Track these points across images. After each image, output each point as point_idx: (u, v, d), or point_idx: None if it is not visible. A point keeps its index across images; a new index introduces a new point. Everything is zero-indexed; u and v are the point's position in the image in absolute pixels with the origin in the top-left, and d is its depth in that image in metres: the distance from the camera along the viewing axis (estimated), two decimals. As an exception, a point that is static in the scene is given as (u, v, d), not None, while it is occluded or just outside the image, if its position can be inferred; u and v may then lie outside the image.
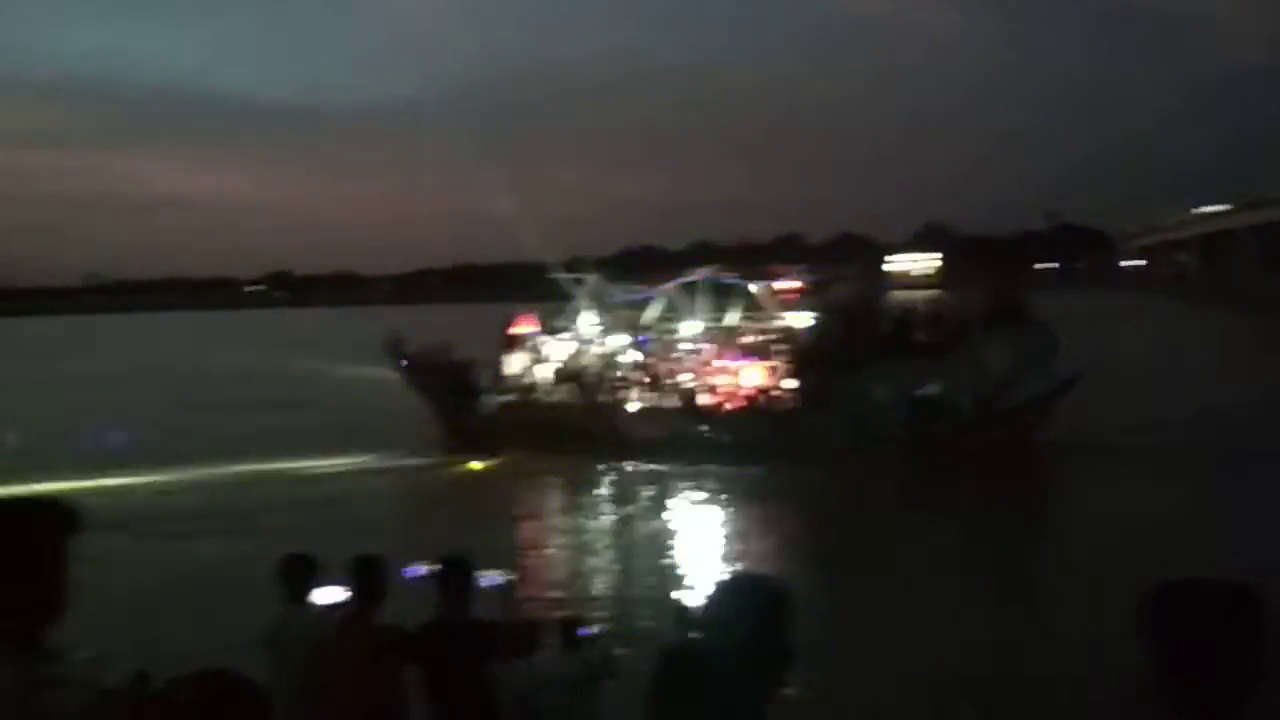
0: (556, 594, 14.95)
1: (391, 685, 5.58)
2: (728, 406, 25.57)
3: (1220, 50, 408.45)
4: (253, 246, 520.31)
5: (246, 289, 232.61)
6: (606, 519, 20.55)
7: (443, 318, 32.97)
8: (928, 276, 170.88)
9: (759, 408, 25.17)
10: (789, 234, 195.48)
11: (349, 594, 5.73)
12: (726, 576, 2.58)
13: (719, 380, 25.97)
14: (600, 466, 24.39)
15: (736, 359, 26.33)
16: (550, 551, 18.11)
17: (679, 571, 16.60)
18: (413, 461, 25.93)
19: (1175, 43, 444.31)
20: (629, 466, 24.29)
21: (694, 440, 24.60)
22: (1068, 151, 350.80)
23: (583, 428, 25.77)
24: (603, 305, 29.10)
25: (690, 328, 27.79)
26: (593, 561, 17.34)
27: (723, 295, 28.89)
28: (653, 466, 23.97)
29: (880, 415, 23.48)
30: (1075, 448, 23.63)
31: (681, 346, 27.46)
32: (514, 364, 28.69)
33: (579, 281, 29.40)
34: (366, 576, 5.65)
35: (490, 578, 5.83)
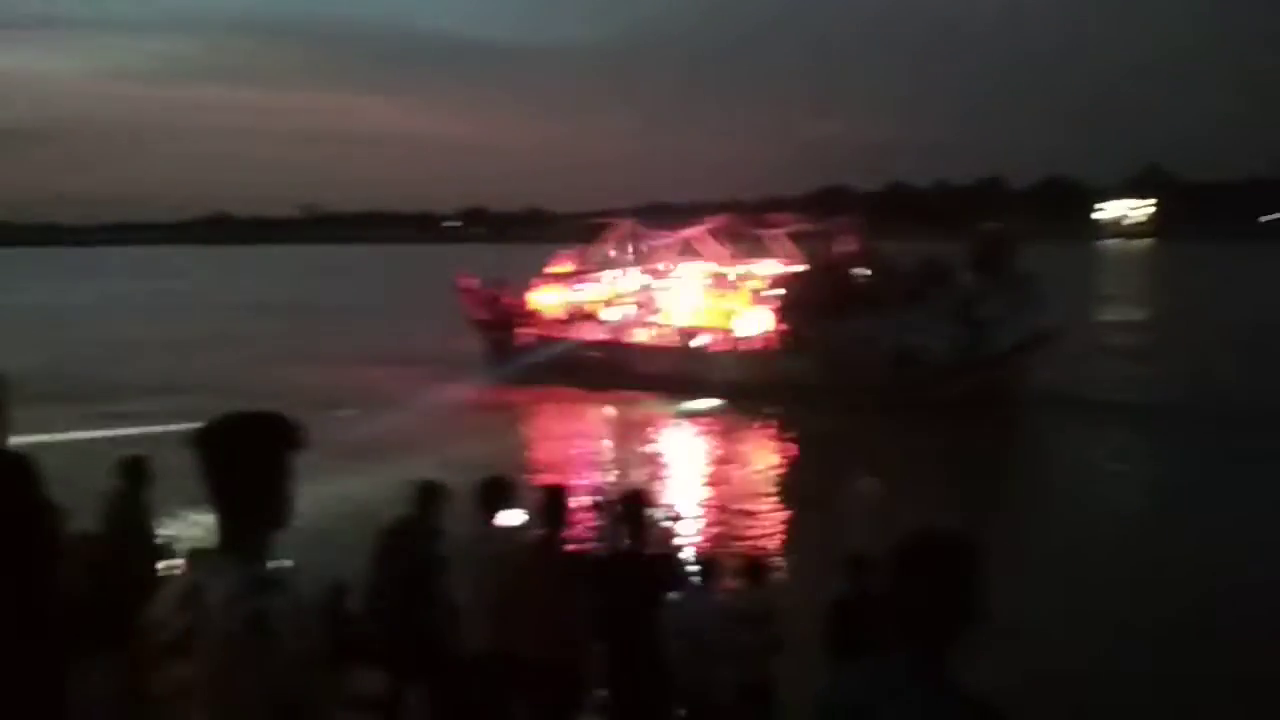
0: (711, 533, 15.13)
1: (575, 609, 5.84)
2: (723, 348, 27.00)
3: None
4: (450, 181, 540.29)
5: (444, 224, 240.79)
6: (694, 455, 21.18)
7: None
8: (1141, 224, 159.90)
9: (750, 350, 26.45)
10: (990, 177, 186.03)
11: (534, 518, 6.03)
12: (914, 530, 2.47)
13: (719, 322, 27.57)
14: (609, 403, 25.76)
15: (736, 303, 27.84)
16: (689, 490, 18.31)
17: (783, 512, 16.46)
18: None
19: None
20: (638, 402, 25.64)
21: (690, 378, 25.98)
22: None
23: (598, 363, 27.82)
24: (628, 249, 31.29)
25: (701, 273, 29.67)
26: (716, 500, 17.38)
27: (734, 243, 31.01)
28: (657, 403, 25.31)
29: (859, 360, 23.83)
30: (1055, 400, 24.13)
31: (689, 290, 29.10)
32: (543, 301, 30.73)
33: (610, 225, 31.59)
34: (553, 503, 5.93)
35: (658, 513, 5.98)
